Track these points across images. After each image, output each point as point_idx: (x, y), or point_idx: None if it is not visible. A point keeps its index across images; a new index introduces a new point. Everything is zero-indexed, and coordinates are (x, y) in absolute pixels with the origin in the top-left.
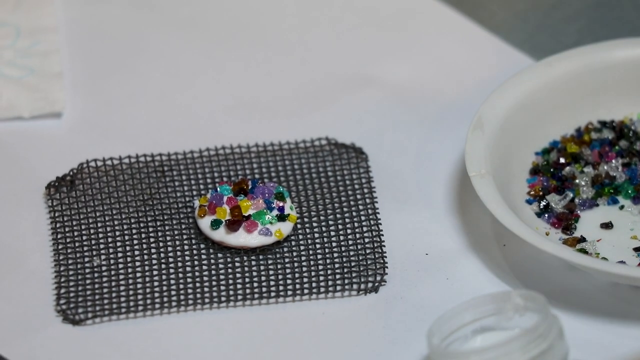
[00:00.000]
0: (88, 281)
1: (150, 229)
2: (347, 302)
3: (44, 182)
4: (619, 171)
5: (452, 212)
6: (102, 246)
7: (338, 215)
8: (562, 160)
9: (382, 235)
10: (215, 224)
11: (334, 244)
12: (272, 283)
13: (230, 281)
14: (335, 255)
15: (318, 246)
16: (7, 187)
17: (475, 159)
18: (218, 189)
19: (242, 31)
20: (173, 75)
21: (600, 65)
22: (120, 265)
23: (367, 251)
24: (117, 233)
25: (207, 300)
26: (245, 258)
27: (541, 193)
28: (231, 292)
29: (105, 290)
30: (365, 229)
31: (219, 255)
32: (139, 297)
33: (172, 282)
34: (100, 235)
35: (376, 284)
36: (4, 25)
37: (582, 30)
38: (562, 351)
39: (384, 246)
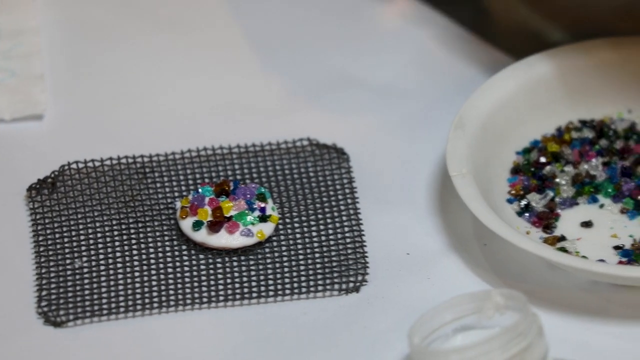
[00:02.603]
0: (69, 283)
1: (132, 231)
2: (328, 302)
3: (25, 184)
4: (599, 170)
5: (433, 212)
6: (83, 248)
7: (319, 216)
8: (542, 159)
9: (364, 235)
10: (197, 225)
11: (315, 245)
12: (253, 284)
13: (212, 282)
14: (317, 255)
15: (299, 247)
16: None
17: (456, 158)
18: (200, 190)
19: (223, 33)
20: (155, 77)
21: (580, 65)
22: (102, 267)
23: (349, 251)
24: (99, 235)
25: (188, 301)
26: (227, 259)
27: (522, 192)
28: (213, 293)
29: (86, 292)
30: (346, 229)
31: (201, 256)
32: (121, 298)
33: (154, 283)
34: (82, 237)
35: (357, 284)
36: None
37: (563, 30)
38: (542, 349)
39: (365, 246)
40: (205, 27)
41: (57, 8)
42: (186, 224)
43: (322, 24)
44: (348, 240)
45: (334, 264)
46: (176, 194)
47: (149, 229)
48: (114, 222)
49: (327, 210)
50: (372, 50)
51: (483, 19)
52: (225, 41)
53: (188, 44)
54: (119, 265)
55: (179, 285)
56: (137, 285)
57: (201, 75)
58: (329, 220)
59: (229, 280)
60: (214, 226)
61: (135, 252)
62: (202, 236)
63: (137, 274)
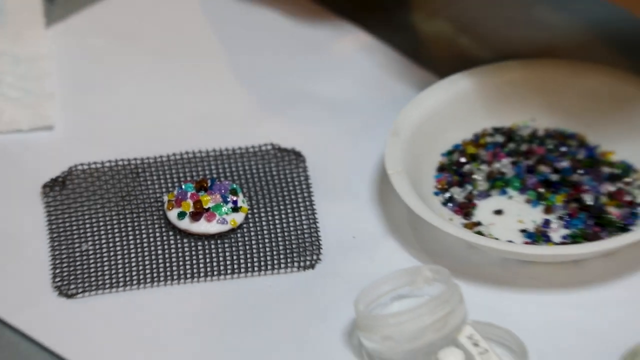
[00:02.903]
0: (78, 262)
1: (128, 220)
2: (289, 277)
3: (40, 182)
4: (508, 168)
5: (374, 203)
6: (88, 234)
7: (281, 207)
8: (462, 159)
9: (317, 222)
10: (181, 215)
11: (278, 230)
12: (228, 262)
13: (194, 261)
14: (280, 239)
15: (265, 232)
16: (9, 187)
17: (392, 159)
18: (183, 187)
19: (201, 59)
20: (144, 94)
21: (494, 82)
22: (104, 249)
23: (306, 235)
24: (101, 223)
25: (175, 276)
26: (206, 243)
27: (446, 186)
28: (194, 270)
29: (92, 269)
30: (304, 217)
31: (185, 240)
32: (120, 274)
33: (147, 262)
34: (87, 225)
35: (313, 262)
36: (4, 55)
37: (481, 52)
38: (462, 313)
39: (319, 231)
40: (187, 55)
41: (64, 39)
42: (172, 214)
43: (286, 51)
44: (305, 226)
45: (294, 246)
46: (163, 190)
47: (142, 219)
48: (113, 213)
49: (287, 202)
50: (325, 73)
51: (418, 45)
52: (203, 65)
53: (172, 68)
54: (117, 247)
55: (167, 264)
56: (133, 264)
57: (183, 93)
58: (289, 211)
59: (208, 260)
60: (195, 216)
61: (130, 237)
62: (185, 224)
63: (132, 254)
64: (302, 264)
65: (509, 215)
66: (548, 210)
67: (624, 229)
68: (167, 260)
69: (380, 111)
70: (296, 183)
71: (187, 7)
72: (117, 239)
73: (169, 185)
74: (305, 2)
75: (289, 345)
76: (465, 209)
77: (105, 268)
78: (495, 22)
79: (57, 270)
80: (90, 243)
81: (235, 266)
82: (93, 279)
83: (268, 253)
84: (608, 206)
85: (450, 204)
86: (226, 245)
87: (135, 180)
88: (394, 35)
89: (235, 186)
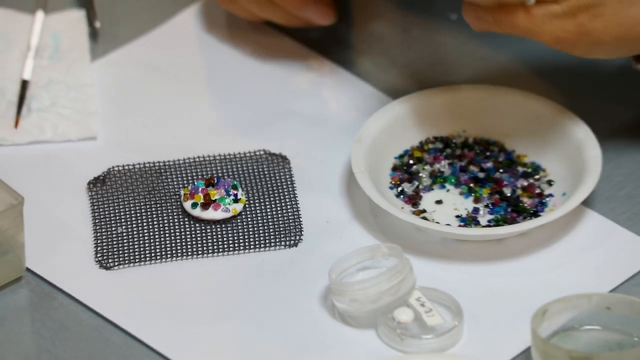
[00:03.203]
0: (114, 242)
1: (153, 209)
2: (278, 253)
3: (86, 180)
4: (446, 168)
5: (343, 196)
6: (122, 220)
7: (271, 199)
8: (411, 161)
9: (299, 210)
10: (194, 205)
11: (269, 217)
12: (230, 242)
13: (204, 241)
14: (270, 223)
15: (259, 218)
16: (62, 184)
17: (357, 161)
18: (195, 183)
19: (209, 84)
20: (165, 111)
21: (434, 102)
22: (135, 232)
23: (290, 221)
24: (132, 211)
25: (189, 253)
26: (213, 227)
27: (398, 182)
28: (204, 248)
29: (125, 247)
30: (289, 207)
31: (197, 225)
32: (146, 251)
33: (167, 241)
34: (122, 213)
35: (296, 241)
36: (60, 83)
37: (427, 77)
38: (412, 281)
39: (301, 217)
40: (198, 81)
41: (105, 70)
42: (187, 205)
43: (273, 79)
44: (289, 214)
45: (281, 229)
46: (180, 186)
47: (163, 208)
48: (142, 204)
49: (276, 195)
50: (304, 95)
51: (377, 73)
52: (211, 90)
53: (187, 92)
54: (145, 230)
55: (183, 243)
56: (157, 243)
57: (195, 111)
58: (277, 202)
59: (215, 240)
60: (205, 206)
61: (155, 222)
62: (197, 212)
63: (156, 236)
64: (287, 243)
65: (447, 205)
66: (477, 200)
67: (535, 214)
68: (183, 240)
69: (347, 124)
70: (282, 180)
71: (198, 45)
72: (145, 224)
73: (185, 182)
74: (287, 41)
75: (278, 306)
76: (413, 199)
77: (135, 246)
78: (435, 56)
79: (99, 248)
80: (124, 227)
81: (236, 245)
82: (126, 254)
83: (261, 234)
84: (522, 197)
85: (401, 196)
86: (229, 228)
87: (159, 178)
88: (357, 66)
89: (235, 183)
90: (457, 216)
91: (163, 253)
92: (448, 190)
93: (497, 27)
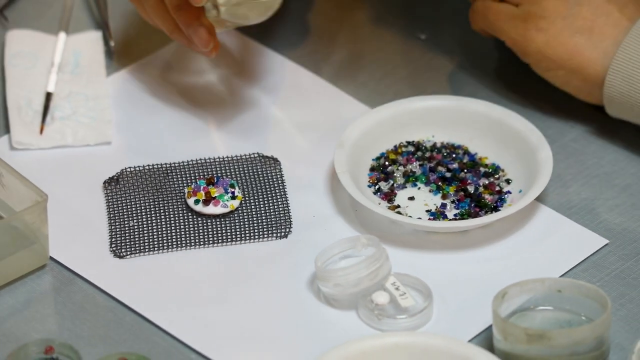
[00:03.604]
0: (126, 234)
1: (161, 205)
2: (271, 244)
3: (102, 180)
4: (417, 169)
5: (328, 193)
6: (134, 214)
7: (264, 196)
8: (387, 163)
9: (289, 206)
10: (197, 202)
11: (262, 212)
12: (228, 234)
13: (206, 233)
14: (263, 217)
15: (253, 213)
16: (81, 183)
17: (339, 163)
18: (198, 182)
19: (209, 96)
20: (172, 119)
21: (407, 111)
22: (145, 225)
23: (281, 215)
24: (142, 207)
25: (192, 243)
26: (213, 220)
27: (376, 181)
28: (206, 239)
29: (136, 238)
30: (279, 203)
31: (199, 219)
32: (155, 242)
33: (173, 233)
34: (133, 209)
35: (286, 233)
36: (79, 94)
37: (401, 88)
38: (388, 267)
39: (290, 212)
40: (200, 93)
41: (119, 84)
42: (190, 201)
43: (265, 90)
44: (280, 209)
45: (273, 222)
46: (185, 184)
47: (170, 204)
48: (151, 200)
49: (268, 192)
50: (294, 104)
51: (357, 86)
52: (211, 100)
53: (191, 102)
54: (153, 223)
55: (187, 235)
56: (164, 234)
57: (198, 119)
58: (269, 198)
59: (215, 232)
60: (206, 202)
61: (162, 216)
62: (199, 208)
63: (163, 228)
64: (278, 234)
65: (418, 201)
66: (444, 197)
67: (495, 209)
68: (187, 232)
69: (330, 130)
70: (274, 180)
71: (197, 63)
72: (153, 218)
73: (188, 181)
74: (279, 59)
75: (271, 290)
76: (388, 196)
77: (145, 237)
78: (408, 71)
79: (113, 239)
80: (135, 220)
81: (234, 236)
82: (137, 245)
83: (256, 227)
84: (484, 194)
85: (378, 193)
86: (227, 222)
87: (165, 178)
88: (340, 80)
89: (233, 182)
90: (427, 211)
91: (169, 244)
92: (419, 188)
93: (481, 20)
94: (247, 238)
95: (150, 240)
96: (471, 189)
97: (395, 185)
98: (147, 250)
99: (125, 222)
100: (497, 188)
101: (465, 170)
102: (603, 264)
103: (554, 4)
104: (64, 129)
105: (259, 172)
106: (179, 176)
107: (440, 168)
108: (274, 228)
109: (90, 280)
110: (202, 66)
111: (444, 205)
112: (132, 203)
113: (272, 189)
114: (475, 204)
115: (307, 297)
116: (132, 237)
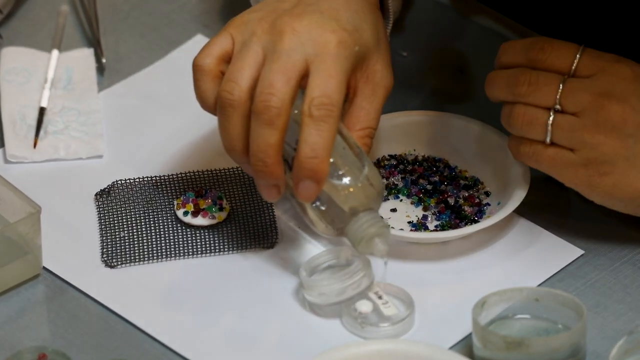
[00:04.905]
0: (117, 244)
1: (151, 216)
2: (258, 254)
3: (93, 192)
4: (399, 181)
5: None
6: (124, 225)
7: (251, 208)
8: None
9: (275, 217)
10: (186, 213)
11: (249, 222)
12: (217, 244)
13: (194, 243)
14: (250, 228)
15: (241, 224)
16: (74, 195)
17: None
18: (187, 194)
19: (199, 110)
20: (161, 133)
21: (389, 125)
22: (135, 235)
23: (267, 226)
24: (133, 218)
25: (182, 253)
26: (202, 231)
27: None
28: (195, 249)
29: (126, 248)
30: (266, 214)
31: (188, 230)
32: (145, 252)
33: (163, 244)
34: (123, 220)
35: (273, 244)
36: (72, 109)
37: (384, 104)
38: (371, 277)
39: (276, 223)
40: (190, 108)
41: (110, 99)
42: (180, 212)
43: None
44: (267, 220)
45: (260, 232)
46: (174, 196)
47: (159, 215)
48: (141, 212)
49: (255, 204)
50: None
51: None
52: (201, 115)
53: (180, 117)
54: (144, 234)
55: (176, 245)
56: (154, 245)
57: (186, 133)
58: (256, 210)
59: (203, 243)
60: (195, 214)
61: (152, 227)
62: (188, 219)
63: (153, 239)
64: (265, 245)
65: (400, 212)
66: (425, 209)
67: (474, 220)
68: (176, 243)
69: None
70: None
71: (187, 79)
72: (143, 229)
73: (177, 193)
74: None
75: (258, 298)
76: None
77: (136, 248)
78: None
79: (104, 250)
80: (126, 231)
81: (222, 246)
82: (128, 255)
83: (243, 238)
84: (464, 206)
85: None
86: (215, 233)
87: (156, 190)
88: None
89: (221, 194)
90: (409, 222)
91: (159, 254)
92: (401, 200)
93: (532, 163)
94: (235, 248)
95: (141, 250)
96: (451, 201)
97: None
98: (137, 260)
99: (116, 233)
100: (477, 200)
101: (446, 183)
102: (579, 273)
103: (613, 147)
104: (57, 143)
105: (246, 185)
106: (168, 188)
107: (421, 181)
108: (260, 238)
109: (82, 290)
110: (190, 82)
111: (425, 217)
112: (123, 214)
113: (259, 201)
114: (456, 216)
115: (292, 306)
116: (123, 247)
